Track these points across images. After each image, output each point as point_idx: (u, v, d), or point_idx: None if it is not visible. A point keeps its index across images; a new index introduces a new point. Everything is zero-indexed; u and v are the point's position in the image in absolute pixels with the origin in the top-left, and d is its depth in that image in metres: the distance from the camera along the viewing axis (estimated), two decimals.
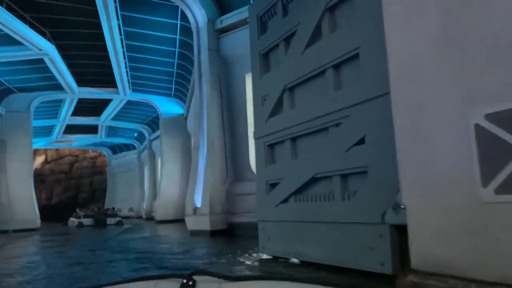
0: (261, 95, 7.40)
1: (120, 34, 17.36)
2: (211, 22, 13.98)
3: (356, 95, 5.26)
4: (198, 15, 14.12)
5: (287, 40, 6.80)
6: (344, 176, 5.58)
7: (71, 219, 27.96)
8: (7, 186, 22.44)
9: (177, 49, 18.84)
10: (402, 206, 4.25)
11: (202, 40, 14.12)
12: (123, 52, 19.15)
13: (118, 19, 16.09)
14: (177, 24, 16.46)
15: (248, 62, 13.58)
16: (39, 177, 49.02)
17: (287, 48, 6.79)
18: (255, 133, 7.58)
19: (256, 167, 7.58)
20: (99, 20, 16.12)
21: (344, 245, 5.35)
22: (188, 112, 24.32)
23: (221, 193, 13.26)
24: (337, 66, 5.75)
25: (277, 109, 7.02)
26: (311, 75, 6.20)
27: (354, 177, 5.39)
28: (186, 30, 16.42)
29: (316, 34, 6.08)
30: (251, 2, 13.56)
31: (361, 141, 5.19)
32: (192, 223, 13.66)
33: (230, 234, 12.66)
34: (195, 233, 13.29)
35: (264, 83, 7.38)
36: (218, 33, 14.07)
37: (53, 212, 38.54)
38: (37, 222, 23.13)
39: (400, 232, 4.59)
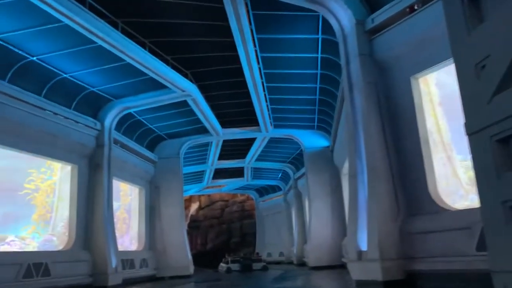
0: (474, 62, 4.56)
1: (258, 63, 16.25)
2: (360, 23, 11.59)
3: None
4: (343, 19, 11.91)
5: None
6: None
7: (221, 264, 28.37)
8: (162, 232, 22.82)
9: (319, 71, 16.89)
10: None
11: (350, 46, 11.76)
12: (262, 83, 18.04)
13: (254, 45, 14.98)
14: (318, 38, 14.52)
15: (413, 61, 10.85)
16: (195, 223, 51.68)
17: None
18: (468, 125, 4.70)
19: (476, 179, 4.64)
20: (236, 52, 15.26)
21: None
22: (334, 143, 21.90)
23: (393, 231, 10.19)
24: None
25: (511, 77, 4.11)
26: None
27: None
28: (329, 45, 14.35)
29: None
30: None
31: None
32: (357, 271, 10.76)
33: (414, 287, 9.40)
34: (362, 285, 10.35)
35: (476, 41, 4.56)
36: (369, 35, 11.56)
37: (207, 258, 39.52)
38: (190, 269, 22.86)
39: None
